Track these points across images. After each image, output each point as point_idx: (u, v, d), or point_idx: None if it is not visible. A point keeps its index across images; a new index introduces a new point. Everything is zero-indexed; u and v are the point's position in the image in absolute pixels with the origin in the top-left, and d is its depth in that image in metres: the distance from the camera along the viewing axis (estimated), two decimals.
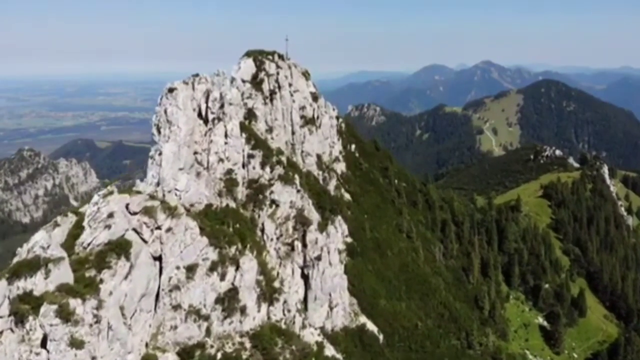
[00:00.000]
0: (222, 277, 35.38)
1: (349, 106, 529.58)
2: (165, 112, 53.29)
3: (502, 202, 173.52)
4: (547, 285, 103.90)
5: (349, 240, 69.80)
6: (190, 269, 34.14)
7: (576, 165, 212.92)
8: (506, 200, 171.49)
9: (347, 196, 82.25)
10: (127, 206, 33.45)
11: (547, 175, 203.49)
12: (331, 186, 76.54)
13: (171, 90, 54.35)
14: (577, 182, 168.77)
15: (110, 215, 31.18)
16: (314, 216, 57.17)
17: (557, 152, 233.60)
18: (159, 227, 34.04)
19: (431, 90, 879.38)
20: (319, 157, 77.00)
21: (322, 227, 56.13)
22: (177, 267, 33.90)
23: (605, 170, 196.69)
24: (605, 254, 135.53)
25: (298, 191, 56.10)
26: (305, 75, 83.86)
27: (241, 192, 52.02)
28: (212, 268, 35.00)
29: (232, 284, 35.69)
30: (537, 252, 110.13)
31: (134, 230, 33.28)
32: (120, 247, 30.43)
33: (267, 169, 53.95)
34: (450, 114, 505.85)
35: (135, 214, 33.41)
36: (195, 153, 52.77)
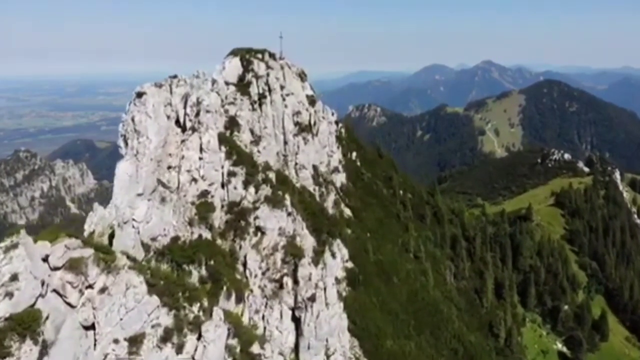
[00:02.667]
0: (179, 349, 26.27)
1: (349, 107, 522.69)
2: (133, 120, 44.41)
3: (511, 209, 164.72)
4: (566, 307, 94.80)
5: (349, 265, 60.71)
6: (134, 341, 25.04)
7: (586, 169, 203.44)
8: (515, 207, 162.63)
9: (347, 211, 73.20)
10: (46, 259, 24.27)
11: (557, 181, 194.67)
12: (329, 202, 67.44)
13: (140, 94, 45.44)
14: (590, 189, 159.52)
15: (14, 278, 22.07)
16: (308, 243, 48.07)
17: (566, 155, 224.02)
18: (90, 286, 24.91)
19: (432, 90, 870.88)
20: (315, 168, 67.88)
21: (317, 258, 47.02)
22: (116, 340, 24.73)
23: (618, 175, 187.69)
24: (623, 267, 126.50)
25: (289, 214, 47.02)
26: (302, 76, 74.82)
27: (219, 218, 42.90)
28: (165, 338, 25.87)
29: (193, 358, 26.54)
30: (554, 269, 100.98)
31: (56, 292, 24.15)
32: (23, 325, 21.32)
33: (252, 189, 44.84)
34: (451, 114, 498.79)
35: (57, 269, 24.26)
36: (170, 168, 43.84)
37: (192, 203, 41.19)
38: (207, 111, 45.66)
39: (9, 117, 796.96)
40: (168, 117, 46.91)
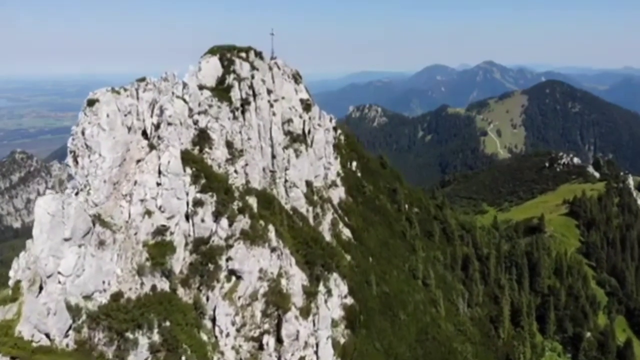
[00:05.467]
0: None
1: (350, 107, 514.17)
2: (83, 133, 35.44)
3: (520, 217, 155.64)
4: (589, 334, 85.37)
5: (348, 301, 51.36)
6: None
7: (597, 174, 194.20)
8: (525, 215, 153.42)
9: (346, 232, 63.84)
10: None
11: (566, 186, 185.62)
12: (325, 224, 58.09)
13: (91, 102, 36.46)
14: (605, 197, 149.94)
15: None
16: (297, 285, 38.88)
17: (575, 159, 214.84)
18: None
19: (433, 91, 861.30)
20: (309, 184, 58.56)
21: (307, 306, 37.80)
22: None
23: (631, 181, 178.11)
24: None
25: (273, 250, 37.82)
26: (296, 77, 65.70)
27: (180, 261, 33.61)
28: None
29: None
30: (575, 292, 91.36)
31: None
32: None
33: (224, 222, 35.52)
34: (453, 115, 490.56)
35: None
36: (125, 197, 34.75)
37: (144, 244, 31.93)
38: (169, 123, 36.46)
39: (9, 118, 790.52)
40: (129, 128, 37.81)
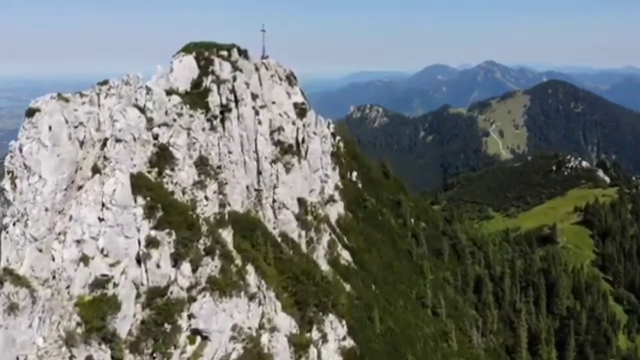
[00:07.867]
0: None
1: (351, 107, 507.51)
2: (21, 150, 27.98)
3: (528, 224, 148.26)
4: None
5: (348, 343, 43.58)
6: None
7: (607, 179, 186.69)
8: (535, 223, 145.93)
9: (345, 255, 56.12)
10: None
11: (576, 191, 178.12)
12: (321, 249, 50.34)
13: (31, 113, 29.00)
14: (618, 204, 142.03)
15: None
16: (281, 342, 31.27)
17: (584, 163, 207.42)
18: None
19: (434, 91, 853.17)
20: (302, 202, 50.72)
21: None
22: None
23: None
24: None
25: (252, 297, 30.18)
26: (290, 79, 57.97)
27: (128, 319, 25.85)
28: None
29: None
30: (597, 314, 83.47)
31: None
32: None
33: (186, 267, 27.74)
34: (454, 115, 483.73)
35: None
36: (58, 237, 27.25)
37: (77, 303, 24.22)
38: (118, 139, 28.74)
39: (9, 117, 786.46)
40: (81, 143, 30.11)
